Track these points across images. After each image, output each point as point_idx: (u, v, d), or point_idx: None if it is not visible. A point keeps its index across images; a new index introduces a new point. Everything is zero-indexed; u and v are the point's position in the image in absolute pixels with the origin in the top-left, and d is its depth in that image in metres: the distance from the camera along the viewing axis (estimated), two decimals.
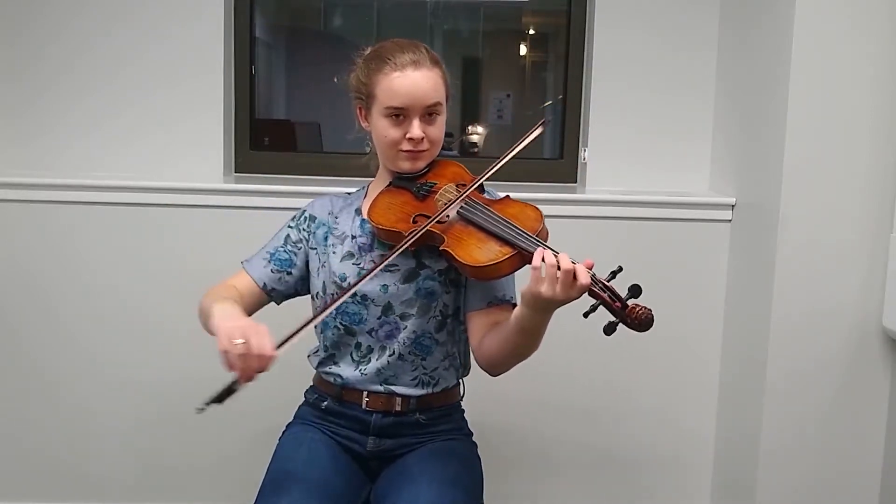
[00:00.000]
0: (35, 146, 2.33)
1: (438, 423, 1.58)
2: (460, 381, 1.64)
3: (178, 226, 2.20)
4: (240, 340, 1.25)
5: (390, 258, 1.42)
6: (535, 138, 1.48)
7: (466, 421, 1.67)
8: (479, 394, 1.71)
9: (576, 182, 2.48)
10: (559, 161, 2.50)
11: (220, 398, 1.32)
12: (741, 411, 2.10)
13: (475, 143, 2.88)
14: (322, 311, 1.42)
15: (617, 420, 2.27)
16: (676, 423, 2.27)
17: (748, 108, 2.10)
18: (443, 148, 1.58)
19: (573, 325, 2.20)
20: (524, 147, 1.48)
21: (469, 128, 2.87)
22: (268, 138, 2.66)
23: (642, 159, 2.33)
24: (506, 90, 2.83)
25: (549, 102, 2.79)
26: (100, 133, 2.32)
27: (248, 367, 1.26)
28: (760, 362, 1.96)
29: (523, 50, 2.89)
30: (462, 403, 1.67)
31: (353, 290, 1.42)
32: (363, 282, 1.45)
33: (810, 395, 1.93)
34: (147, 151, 2.33)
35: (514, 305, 1.53)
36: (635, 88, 2.32)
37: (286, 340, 1.31)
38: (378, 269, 1.43)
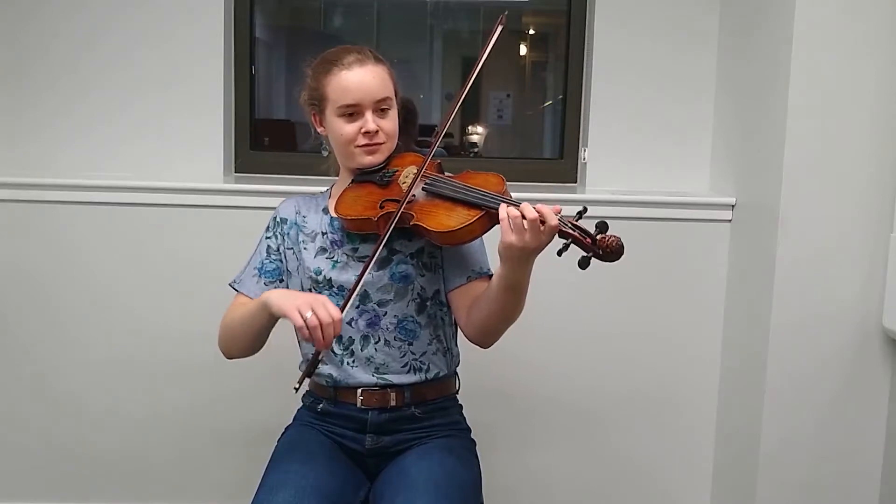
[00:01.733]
0: (35, 146, 2.33)
1: (434, 418, 1.59)
2: (454, 373, 1.66)
3: (177, 226, 2.20)
4: (309, 313, 1.35)
5: (387, 233, 1.46)
6: (497, 41, 1.56)
7: (464, 417, 1.67)
8: (476, 392, 1.71)
9: (576, 182, 2.48)
10: (559, 161, 2.50)
11: (310, 371, 1.46)
12: (741, 411, 2.10)
13: (475, 143, 2.88)
14: (362, 273, 1.46)
15: (617, 420, 2.27)
16: (676, 422, 2.27)
17: (748, 108, 2.10)
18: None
19: (573, 326, 2.20)
20: (488, 54, 1.56)
21: (469, 128, 2.87)
22: (268, 138, 2.66)
23: (642, 159, 2.33)
24: (506, 90, 2.83)
25: (549, 102, 2.79)
26: (99, 133, 2.32)
27: (326, 334, 1.36)
28: (760, 362, 1.96)
29: (523, 50, 2.89)
30: (459, 399, 1.68)
31: (361, 282, 1.47)
32: (338, 272, 1.54)
33: (810, 395, 1.93)
34: (147, 151, 2.33)
35: (492, 277, 1.56)
36: (635, 88, 2.31)
37: (346, 302, 1.45)
38: (375, 256, 1.46)
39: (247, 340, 1.57)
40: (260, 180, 2.33)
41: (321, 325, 1.35)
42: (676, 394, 2.25)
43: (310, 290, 1.57)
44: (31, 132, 2.33)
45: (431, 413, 1.59)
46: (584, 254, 1.32)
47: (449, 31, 2.92)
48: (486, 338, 1.53)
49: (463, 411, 1.68)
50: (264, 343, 1.58)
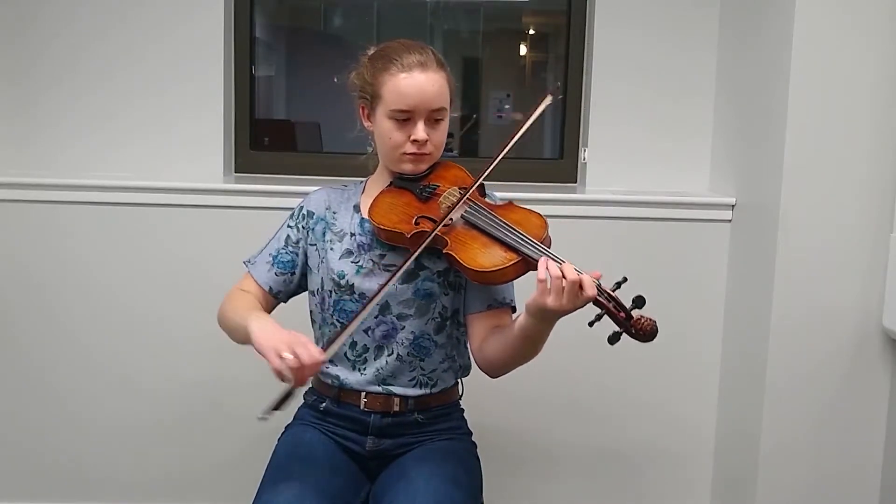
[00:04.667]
0: (35, 146, 2.33)
1: (437, 423, 1.58)
2: (459, 381, 1.65)
3: (178, 226, 2.20)
4: (288, 355, 1.29)
5: (407, 263, 1.42)
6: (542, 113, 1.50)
7: (465, 420, 1.67)
8: (478, 393, 1.71)
9: (576, 182, 2.48)
10: (559, 161, 2.50)
11: (280, 405, 1.35)
12: (741, 411, 2.10)
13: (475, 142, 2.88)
14: (360, 312, 1.42)
15: (617, 419, 2.27)
16: (677, 422, 2.27)
17: (748, 108, 2.10)
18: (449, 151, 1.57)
19: (572, 325, 2.20)
20: (532, 123, 1.50)
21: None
22: (268, 138, 2.66)
23: (642, 159, 2.33)
24: (506, 90, 2.83)
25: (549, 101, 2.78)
26: (100, 133, 2.32)
27: (302, 375, 1.30)
28: (761, 362, 1.96)
29: (523, 50, 2.89)
30: (461, 403, 1.67)
31: (383, 292, 1.42)
32: (361, 279, 1.49)
33: (810, 395, 1.93)
34: (147, 151, 2.33)
35: (514, 308, 1.55)
36: (635, 88, 2.31)
37: (331, 343, 1.39)
38: (399, 273, 1.42)
39: (234, 338, 1.54)
40: (260, 180, 2.33)
41: (303, 366, 1.28)
42: (677, 393, 2.25)
43: (331, 292, 1.53)
44: (32, 132, 2.33)
45: (434, 419, 1.58)
46: (616, 328, 1.29)
47: (449, 31, 2.93)
48: (495, 372, 1.50)
49: (464, 414, 1.68)
50: None
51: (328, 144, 2.84)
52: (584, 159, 2.41)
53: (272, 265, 1.59)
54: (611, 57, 2.31)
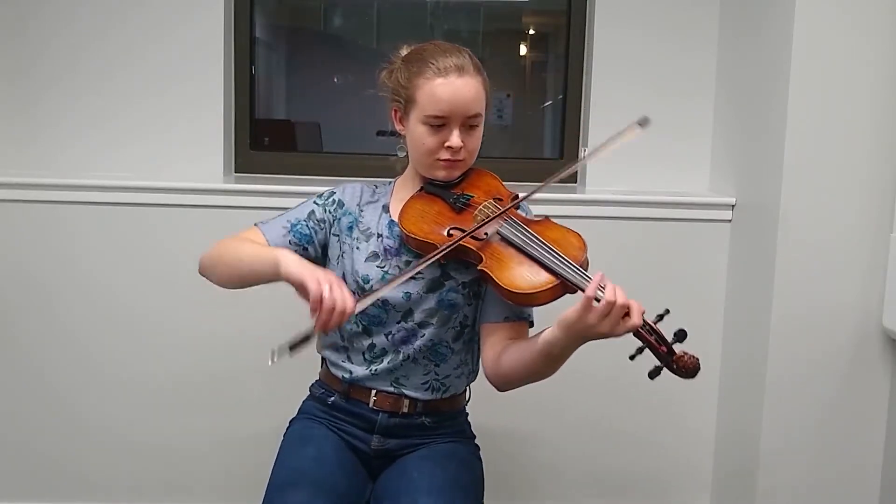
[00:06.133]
0: (35, 146, 2.33)
1: (442, 426, 1.58)
2: (468, 386, 1.64)
3: (178, 226, 2.20)
4: (328, 291, 1.25)
5: (419, 267, 1.38)
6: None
7: (469, 424, 1.67)
8: (482, 396, 1.71)
9: (576, 182, 2.48)
10: (559, 161, 2.50)
11: (294, 347, 1.27)
12: (741, 411, 2.10)
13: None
14: (376, 292, 1.38)
15: (617, 419, 2.27)
16: (677, 422, 2.27)
17: (748, 108, 2.10)
18: None
19: None
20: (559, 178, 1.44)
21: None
22: (268, 138, 2.66)
23: (642, 159, 2.33)
24: (506, 90, 2.83)
25: (549, 102, 2.79)
26: (100, 133, 2.32)
27: (330, 318, 1.25)
28: (760, 362, 1.96)
29: (523, 50, 2.89)
30: (466, 407, 1.67)
31: (387, 290, 1.40)
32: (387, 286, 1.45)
33: (810, 395, 1.93)
34: (147, 151, 2.33)
35: (531, 324, 1.52)
36: (635, 88, 2.31)
37: (362, 299, 1.32)
38: (405, 277, 1.39)
39: (234, 277, 1.46)
40: (260, 180, 2.33)
41: (334, 307, 1.24)
42: (676, 393, 2.25)
43: (354, 293, 1.45)
44: (32, 132, 2.33)
45: (440, 422, 1.57)
46: (657, 363, 1.26)
47: (449, 31, 2.92)
48: (506, 386, 1.46)
49: (468, 418, 1.67)
50: (244, 288, 1.48)
51: (328, 144, 2.84)
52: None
53: (289, 232, 1.51)
54: (611, 57, 2.32)
